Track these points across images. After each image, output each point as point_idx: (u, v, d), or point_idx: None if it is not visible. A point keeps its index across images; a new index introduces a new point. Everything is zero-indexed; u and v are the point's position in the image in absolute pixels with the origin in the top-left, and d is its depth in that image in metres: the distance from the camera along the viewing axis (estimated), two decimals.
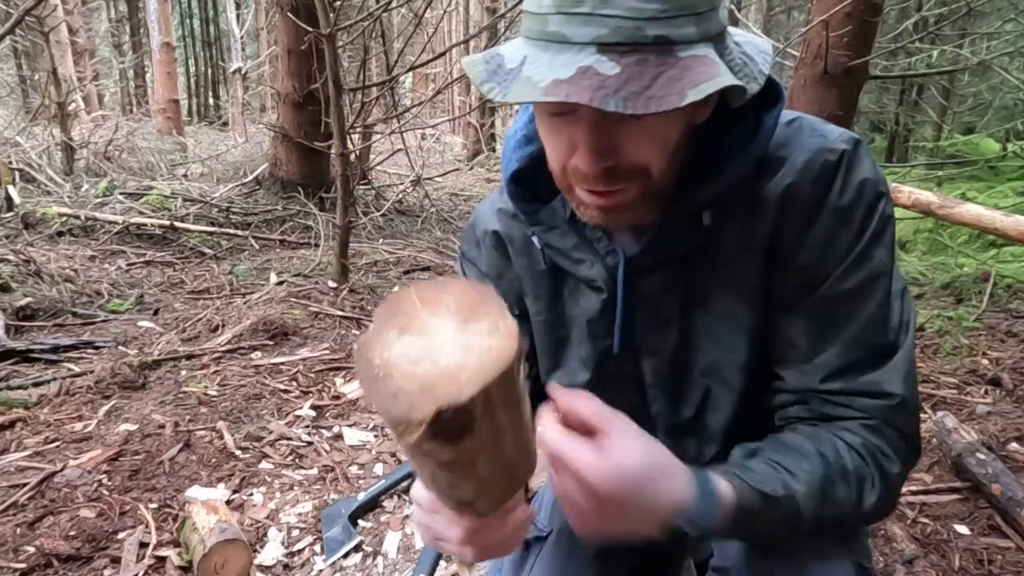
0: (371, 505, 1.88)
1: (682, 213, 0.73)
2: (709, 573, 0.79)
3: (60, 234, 4.72)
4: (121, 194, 5.48)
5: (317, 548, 1.74)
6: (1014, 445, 2.02)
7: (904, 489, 1.84)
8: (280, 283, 3.94)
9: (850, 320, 0.72)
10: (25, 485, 1.86)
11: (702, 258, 0.76)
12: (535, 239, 0.84)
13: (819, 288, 0.72)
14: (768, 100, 0.72)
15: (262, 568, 1.65)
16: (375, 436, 2.31)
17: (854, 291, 0.71)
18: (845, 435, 0.71)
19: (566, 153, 0.68)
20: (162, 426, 2.23)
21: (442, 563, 1.62)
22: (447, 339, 0.40)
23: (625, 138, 0.64)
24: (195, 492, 1.91)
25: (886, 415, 0.71)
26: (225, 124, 15.22)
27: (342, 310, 3.43)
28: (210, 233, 5.08)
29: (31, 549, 1.61)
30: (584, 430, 0.58)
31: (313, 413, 2.44)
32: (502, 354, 0.39)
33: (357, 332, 3.20)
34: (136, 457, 2.05)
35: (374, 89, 4.67)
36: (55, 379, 2.56)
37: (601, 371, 0.86)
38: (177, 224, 4.98)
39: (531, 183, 0.82)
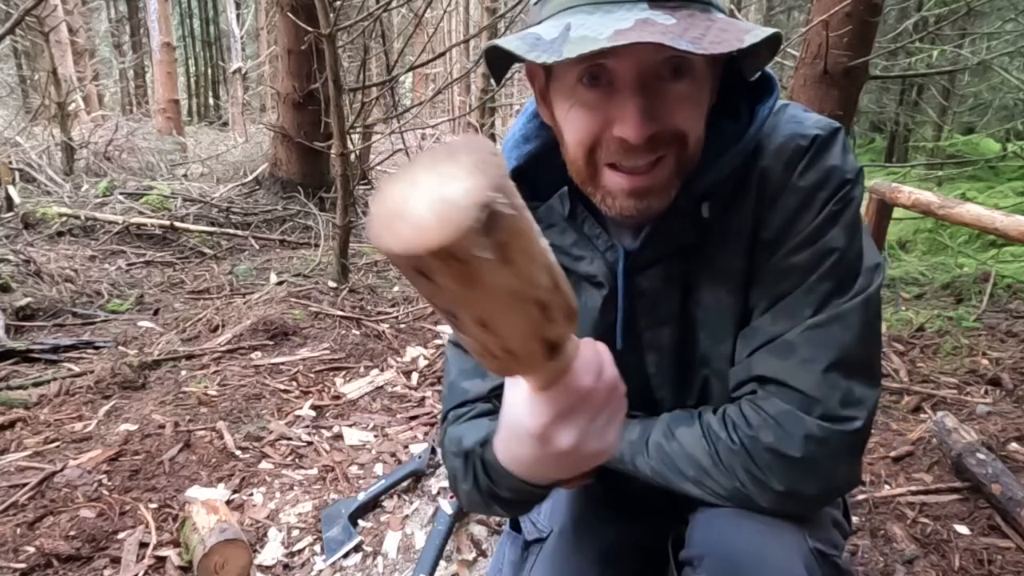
0: (371, 505, 1.88)
1: (681, 206, 0.74)
2: (684, 570, 0.80)
3: (60, 234, 4.72)
4: (121, 194, 5.48)
5: (317, 548, 1.74)
6: (1014, 445, 2.01)
7: (904, 489, 1.85)
8: (280, 283, 3.94)
9: (794, 292, 0.74)
10: (25, 485, 1.86)
11: (697, 251, 0.78)
12: None
13: (771, 260, 0.75)
14: (762, 92, 0.75)
15: (262, 568, 1.65)
16: (375, 436, 2.31)
17: (801, 266, 0.73)
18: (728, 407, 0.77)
19: (601, 127, 0.68)
20: (162, 426, 2.23)
21: (442, 563, 1.62)
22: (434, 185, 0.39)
23: (666, 103, 0.66)
24: (195, 492, 1.91)
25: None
26: (225, 124, 15.22)
27: (342, 310, 3.43)
28: (210, 233, 5.08)
29: (31, 549, 1.61)
30: None
31: (313, 413, 2.44)
32: (471, 197, 0.37)
33: (357, 332, 3.20)
34: (136, 457, 2.05)
35: (374, 89, 4.67)
36: (55, 379, 2.56)
37: None
38: (177, 224, 4.98)
39: (529, 182, 0.82)
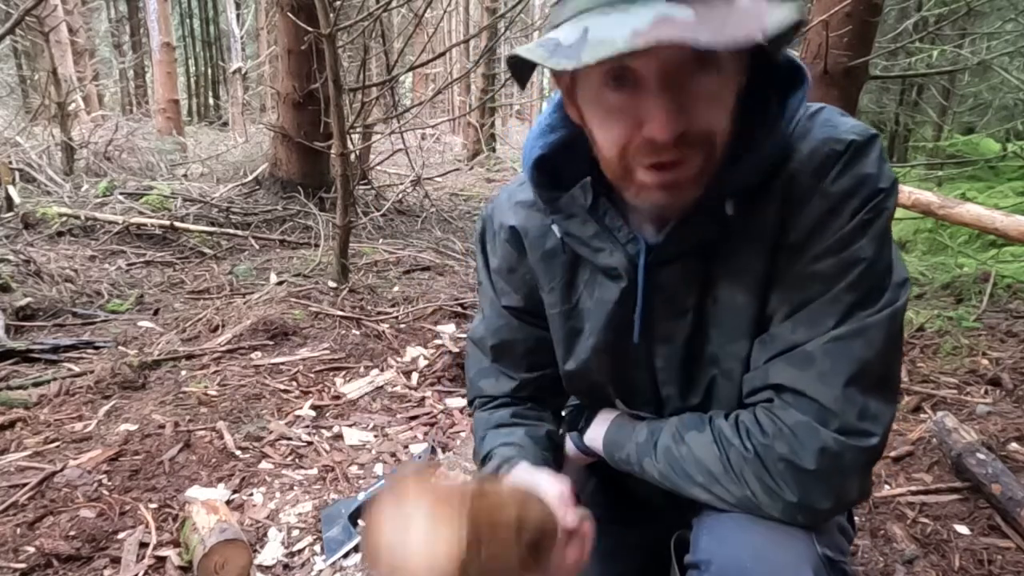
0: None
1: (707, 201, 0.73)
2: (690, 573, 0.80)
3: (60, 234, 4.72)
4: (121, 194, 5.48)
5: (317, 548, 1.74)
6: (1014, 445, 2.01)
7: (904, 489, 1.85)
8: (280, 283, 3.94)
9: (818, 301, 0.72)
10: (25, 485, 1.86)
11: (717, 248, 0.77)
12: (555, 227, 0.85)
13: (795, 265, 0.73)
14: (793, 83, 0.73)
15: (262, 568, 1.65)
16: (375, 436, 2.31)
17: (826, 273, 0.72)
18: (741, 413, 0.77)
19: (630, 130, 0.67)
20: (162, 426, 2.23)
21: None
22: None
23: (692, 100, 0.65)
24: (195, 492, 1.91)
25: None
26: (225, 124, 15.22)
27: (342, 310, 3.43)
28: (210, 233, 5.08)
29: (31, 549, 1.61)
30: None
31: (313, 413, 2.44)
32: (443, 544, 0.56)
33: (357, 332, 3.20)
34: (136, 457, 2.05)
35: (374, 89, 4.67)
36: (55, 379, 2.56)
37: (616, 358, 0.87)
38: (177, 224, 4.98)
39: (553, 170, 0.83)
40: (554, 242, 0.87)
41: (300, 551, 1.73)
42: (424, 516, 0.56)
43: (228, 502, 1.88)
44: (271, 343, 3.01)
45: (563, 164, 0.82)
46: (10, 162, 5.60)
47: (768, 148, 0.71)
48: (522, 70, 0.71)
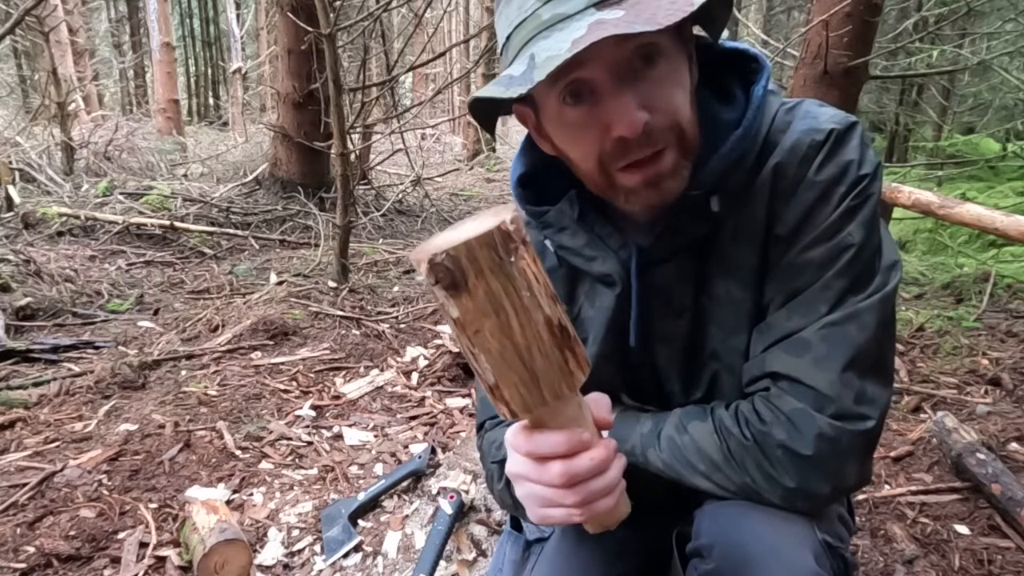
0: (371, 505, 1.88)
1: (692, 198, 0.74)
2: (692, 561, 0.80)
3: (60, 234, 4.72)
4: (121, 194, 5.48)
5: (317, 548, 1.74)
6: (1014, 445, 2.01)
7: (904, 489, 1.85)
8: (280, 283, 3.94)
9: (810, 288, 0.74)
10: (25, 485, 1.86)
11: (709, 245, 0.78)
12: (548, 242, 0.86)
13: (786, 256, 0.75)
14: (754, 74, 0.76)
15: (262, 568, 1.65)
16: (375, 436, 2.31)
17: (817, 261, 0.73)
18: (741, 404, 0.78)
19: (600, 137, 0.69)
20: (162, 426, 2.23)
21: (442, 563, 1.62)
22: (468, 229, 0.50)
23: (648, 92, 0.67)
24: (195, 492, 1.91)
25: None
26: (225, 124, 15.22)
27: (342, 310, 3.43)
28: (210, 233, 5.08)
29: (31, 549, 1.61)
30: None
31: (313, 413, 2.44)
32: (487, 228, 0.49)
33: (357, 332, 3.20)
34: (136, 457, 2.05)
35: (374, 89, 4.67)
36: (55, 379, 2.56)
37: (619, 363, 0.88)
38: (177, 224, 4.98)
39: (537, 187, 0.84)
40: (552, 257, 0.88)
41: (300, 551, 1.73)
42: None
43: (228, 502, 1.88)
44: (271, 343, 3.01)
45: (548, 179, 0.83)
46: (10, 162, 5.60)
47: (739, 136, 0.72)
48: (485, 114, 0.74)
